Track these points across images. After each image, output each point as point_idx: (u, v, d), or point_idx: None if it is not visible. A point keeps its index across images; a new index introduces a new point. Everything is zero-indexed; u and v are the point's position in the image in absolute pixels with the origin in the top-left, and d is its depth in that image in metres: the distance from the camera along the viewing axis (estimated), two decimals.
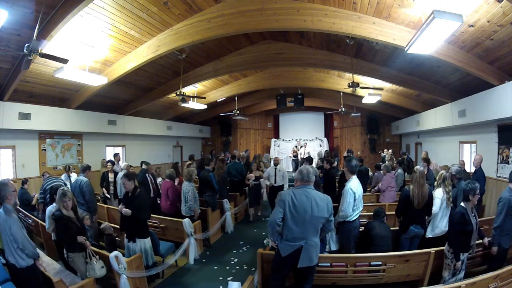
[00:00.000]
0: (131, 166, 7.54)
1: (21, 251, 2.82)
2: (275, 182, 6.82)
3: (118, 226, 4.38)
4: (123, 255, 3.69)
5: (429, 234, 3.92)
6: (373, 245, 3.81)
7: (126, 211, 3.79)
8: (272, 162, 7.84)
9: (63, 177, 6.34)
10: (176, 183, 5.88)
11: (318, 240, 2.87)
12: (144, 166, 6.45)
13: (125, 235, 4.03)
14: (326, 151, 11.80)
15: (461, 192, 3.93)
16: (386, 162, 8.21)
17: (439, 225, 3.89)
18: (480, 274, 2.94)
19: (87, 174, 5.07)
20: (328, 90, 9.97)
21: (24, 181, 5.90)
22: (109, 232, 4.47)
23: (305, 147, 12.64)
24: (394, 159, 8.87)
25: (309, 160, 7.13)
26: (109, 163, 7.03)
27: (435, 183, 4.05)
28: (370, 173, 8.12)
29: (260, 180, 7.31)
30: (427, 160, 6.33)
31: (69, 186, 5.41)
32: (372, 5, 4.29)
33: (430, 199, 3.81)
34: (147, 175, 6.33)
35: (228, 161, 9.26)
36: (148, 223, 4.98)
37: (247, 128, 15.63)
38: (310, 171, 2.92)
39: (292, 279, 3.12)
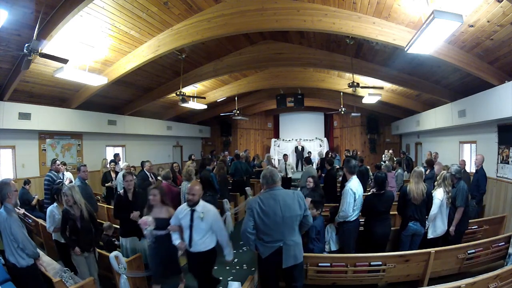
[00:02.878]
0: (133, 166, 7.56)
1: (22, 251, 2.82)
2: (190, 244, 3.09)
3: (118, 226, 4.38)
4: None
5: (430, 235, 3.92)
6: (372, 216, 3.81)
7: (135, 216, 3.78)
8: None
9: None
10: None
11: (299, 237, 2.83)
12: (146, 165, 6.46)
13: (120, 235, 4.04)
14: (327, 151, 11.83)
15: (460, 191, 3.94)
16: (386, 162, 8.23)
17: (440, 225, 3.90)
18: (480, 274, 2.94)
19: (80, 174, 4.99)
20: (328, 90, 9.98)
21: (27, 182, 5.89)
22: (108, 232, 4.47)
23: (286, 160, 9.27)
24: (394, 158, 8.88)
25: (307, 161, 7.13)
26: (111, 163, 7.02)
27: (435, 183, 4.06)
28: (370, 173, 8.12)
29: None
30: (429, 163, 6.30)
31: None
32: (372, 5, 4.30)
33: (428, 197, 3.84)
34: (148, 173, 6.35)
35: (229, 161, 9.29)
36: None
37: (247, 128, 15.64)
38: (274, 173, 2.84)
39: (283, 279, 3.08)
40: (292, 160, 13.96)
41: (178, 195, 5.37)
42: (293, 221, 2.76)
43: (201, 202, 3.11)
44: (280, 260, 2.71)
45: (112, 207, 6.12)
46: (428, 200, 3.84)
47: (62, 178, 6.04)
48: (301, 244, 2.86)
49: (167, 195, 5.32)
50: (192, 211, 3.07)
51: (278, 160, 12.99)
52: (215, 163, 7.56)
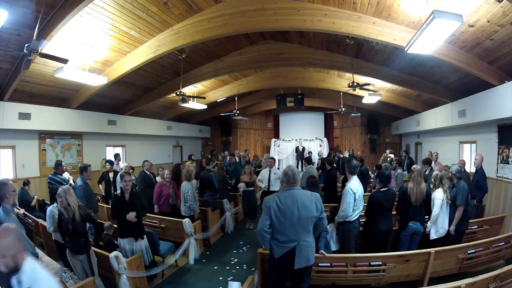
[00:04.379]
0: (132, 167, 7.55)
1: None
2: None
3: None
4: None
5: (433, 235, 3.90)
6: (378, 214, 3.82)
7: (131, 216, 3.79)
8: None
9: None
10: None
11: (312, 239, 2.82)
12: (146, 165, 6.50)
13: (118, 236, 4.02)
14: (330, 152, 11.80)
15: (460, 191, 3.93)
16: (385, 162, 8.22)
17: (443, 225, 3.89)
18: (480, 274, 2.94)
19: (85, 175, 4.98)
20: (328, 90, 9.98)
21: (26, 182, 5.90)
22: (109, 232, 4.47)
23: (271, 166, 6.54)
24: (390, 157, 8.85)
25: (308, 160, 7.14)
26: (107, 164, 7.01)
27: (431, 185, 4.04)
28: (371, 173, 8.12)
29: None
30: (428, 162, 6.32)
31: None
32: (372, 5, 4.30)
33: (427, 197, 3.85)
34: (149, 173, 6.38)
35: (228, 161, 9.28)
36: (146, 222, 5.03)
37: (247, 128, 15.64)
38: (296, 172, 2.85)
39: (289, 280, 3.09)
40: (292, 160, 13.98)
41: (168, 196, 5.45)
42: (309, 223, 2.75)
43: (29, 266, 1.75)
44: (292, 260, 2.69)
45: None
46: (427, 200, 3.85)
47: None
48: (314, 246, 2.85)
49: (155, 191, 5.41)
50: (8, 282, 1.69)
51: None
52: (215, 163, 7.58)
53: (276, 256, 2.74)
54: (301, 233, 2.71)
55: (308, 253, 2.74)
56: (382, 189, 3.92)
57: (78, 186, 4.82)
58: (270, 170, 6.28)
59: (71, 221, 3.30)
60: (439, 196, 3.87)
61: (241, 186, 6.40)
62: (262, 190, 6.61)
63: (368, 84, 7.49)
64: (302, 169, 13.19)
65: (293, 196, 2.73)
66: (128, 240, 3.91)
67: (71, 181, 5.87)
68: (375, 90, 8.19)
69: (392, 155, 9.12)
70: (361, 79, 7.62)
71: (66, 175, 6.46)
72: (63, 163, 6.12)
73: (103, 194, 6.70)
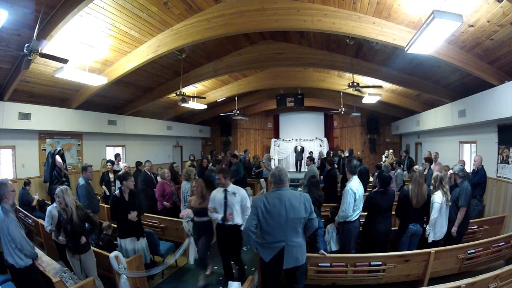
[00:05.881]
0: (129, 167, 7.55)
1: (19, 251, 2.81)
2: None
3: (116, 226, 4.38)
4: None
5: (431, 238, 3.88)
6: (376, 214, 3.82)
7: (133, 216, 3.80)
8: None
9: None
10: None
11: (302, 240, 2.80)
12: (147, 165, 6.54)
13: (118, 237, 4.02)
14: (328, 151, 11.78)
15: (463, 191, 3.89)
16: (385, 162, 8.23)
17: (441, 228, 3.87)
18: (480, 274, 2.94)
19: (86, 174, 4.99)
20: (328, 90, 9.98)
21: (27, 182, 5.90)
22: (108, 232, 4.47)
23: (222, 184, 3.81)
24: (393, 157, 8.86)
25: (310, 159, 7.17)
26: (108, 163, 7.02)
27: (431, 186, 4.00)
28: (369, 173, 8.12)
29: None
30: (429, 160, 6.33)
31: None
32: (372, 5, 4.30)
33: (428, 199, 3.83)
34: (149, 173, 6.41)
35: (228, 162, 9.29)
36: (146, 222, 5.03)
37: (247, 128, 15.64)
38: (283, 173, 2.82)
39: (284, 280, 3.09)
40: (292, 161, 13.97)
41: (171, 194, 5.51)
42: (297, 223, 2.73)
43: None
44: (281, 260, 2.69)
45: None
46: (427, 202, 3.84)
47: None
48: (305, 246, 2.83)
49: (157, 189, 5.50)
50: None
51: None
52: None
53: (266, 260, 2.74)
54: (289, 233, 2.70)
55: (297, 253, 2.72)
56: (379, 190, 3.91)
57: (81, 186, 4.83)
58: (226, 191, 3.75)
59: (69, 221, 3.30)
60: (438, 199, 3.80)
61: (185, 214, 4.27)
62: (216, 223, 3.97)
63: (379, 87, 7.44)
64: (297, 170, 13.23)
65: (281, 197, 2.72)
66: (130, 240, 3.91)
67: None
68: (379, 86, 8.12)
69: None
70: (361, 79, 7.63)
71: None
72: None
73: (107, 193, 6.67)
